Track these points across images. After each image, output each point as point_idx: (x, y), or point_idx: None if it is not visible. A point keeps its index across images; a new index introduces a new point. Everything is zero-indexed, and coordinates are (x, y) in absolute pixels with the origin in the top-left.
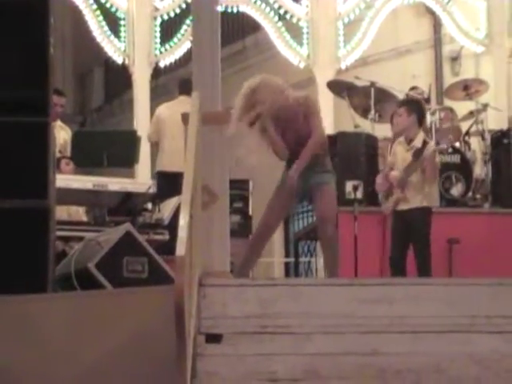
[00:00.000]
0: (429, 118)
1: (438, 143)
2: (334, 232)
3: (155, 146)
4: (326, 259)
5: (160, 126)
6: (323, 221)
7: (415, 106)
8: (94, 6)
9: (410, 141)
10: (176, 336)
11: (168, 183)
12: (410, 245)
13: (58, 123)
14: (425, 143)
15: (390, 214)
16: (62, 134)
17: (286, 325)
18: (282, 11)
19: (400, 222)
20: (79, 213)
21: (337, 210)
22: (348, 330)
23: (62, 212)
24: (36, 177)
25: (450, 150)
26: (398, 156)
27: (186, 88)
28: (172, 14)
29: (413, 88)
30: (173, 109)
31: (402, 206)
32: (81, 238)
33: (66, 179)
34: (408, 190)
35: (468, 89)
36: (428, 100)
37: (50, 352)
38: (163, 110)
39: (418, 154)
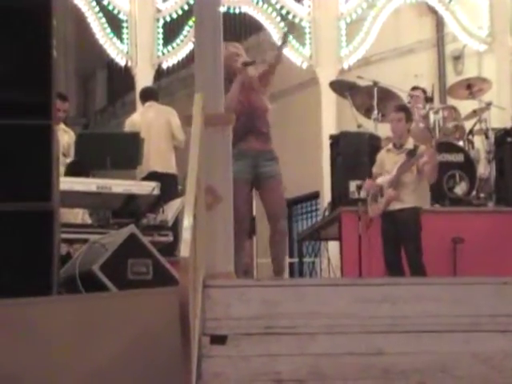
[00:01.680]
0: (432, 118)
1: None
2: (286, 226)
3: None
4: (274, 254)
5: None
6: (278, 217)
7: (410, 114)
8: (97, 9)
9: (400, 146)
10: (181, 337)
11: None
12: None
13: (62, 126)
14: (416, 146)
15: (379, 217)
16: (65, 138)
17: (290, 325)
18: (284, 11)
19: (390, 223)
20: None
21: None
22: (352, 330)
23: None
24: (40, 179)
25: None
26: (388, 162)
27: (148, 95)
28: (174, 16)
29: (415, 88)
30: (145, 114)
31: (394, 206)
32: (85, 241)
33: (70, 182)
34: (401, 189)
35: (471, 87)
36: (431, 99)
37: (54, 355)
38: (135, 117)
39: (411, 153)
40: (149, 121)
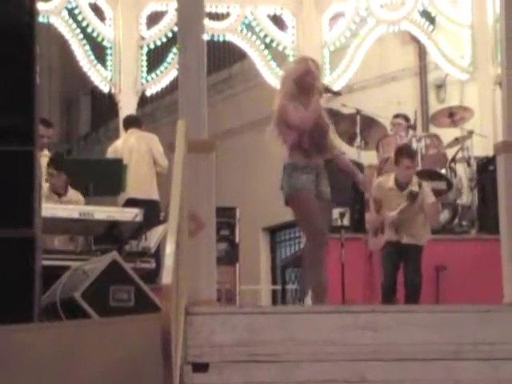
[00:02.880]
0: (414, 145)
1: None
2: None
3: None
4: (315, 278)
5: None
6: (325, 233)
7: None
8: (81, 36)
9: (406, 185)
10: (162, 365)
11: None
12: (399, 270)
13: (45, 152)
14: (420, 186)
15: (378, 251)
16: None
17: (273, 353)
18: (268, 39)
19: (394, 249)
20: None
21: None
22: (335, 357)
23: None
24: (22, 206)
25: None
26: (390, 201)
27: (131, 123)
28: (158, 43)
29: (398, 115)
30: (126, 141)
31: (404, 240)
32: (67, 267)
33: (52, 208)
34: (403, 224)
35: (453, 116)
36: (414, 127)
37: (35, 382)
38: (117, 144)
39: (414, 196)
40: (130, 147)
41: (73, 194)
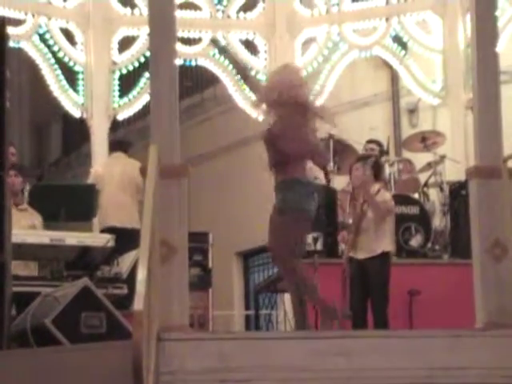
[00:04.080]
0: (387, 170)
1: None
2: (295, 265)
3: None
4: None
5: (98, 182)
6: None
7: (370, 161)
8: (52, 60)
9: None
10: None
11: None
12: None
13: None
14: (379, 191)
15: (346, 263)
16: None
17: (246, 379)
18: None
19: (358, 272)
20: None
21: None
22: (308, 383)
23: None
24: None
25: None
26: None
27: (118, 146)
28: (130, 68)
29: (370, 141)
30: (110, 165)
31: (359, 255)
32: (38, 293)
33: (23, 234)
34: (364, 235)
35: (426, 140)
36: (386, 152)
37: None
38: (99, 168)
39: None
40: (113, 173)
41: (27, 206)
